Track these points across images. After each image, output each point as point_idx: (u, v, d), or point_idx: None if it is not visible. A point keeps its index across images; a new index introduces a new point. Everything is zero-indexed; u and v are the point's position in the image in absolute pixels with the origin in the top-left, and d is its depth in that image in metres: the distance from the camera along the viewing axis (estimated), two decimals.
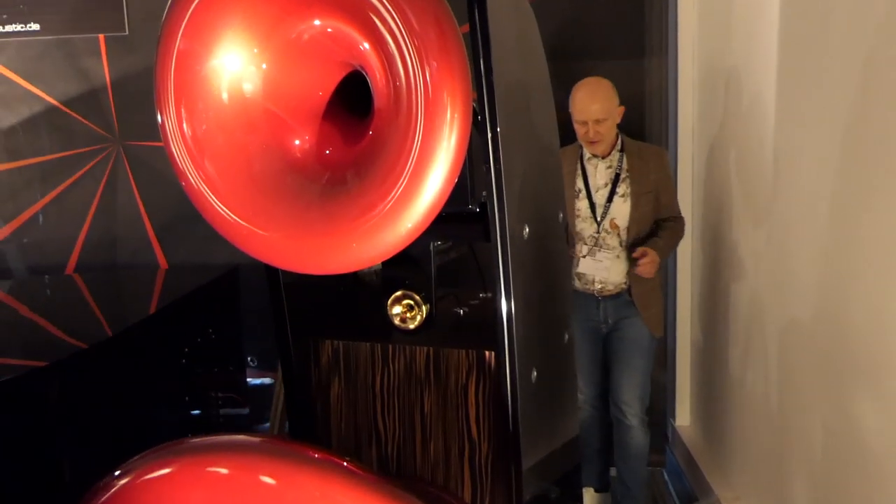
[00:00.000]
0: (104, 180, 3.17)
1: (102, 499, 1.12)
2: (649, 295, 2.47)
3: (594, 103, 2.32)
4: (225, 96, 1.26)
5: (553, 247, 1.61)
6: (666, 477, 3.10)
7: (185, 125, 1.24)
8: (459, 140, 1.10)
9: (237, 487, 1.09)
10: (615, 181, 2.38)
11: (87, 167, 3.17)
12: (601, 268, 2.41)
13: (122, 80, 3.12)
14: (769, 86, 2.08)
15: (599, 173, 2.42)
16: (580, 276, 2.45)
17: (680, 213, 2.49)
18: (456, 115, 1.08)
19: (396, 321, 1.55)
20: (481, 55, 1.24)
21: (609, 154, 2.40)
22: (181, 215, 3.12)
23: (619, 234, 2.40)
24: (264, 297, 1.73)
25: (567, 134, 2.28)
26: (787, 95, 1.99)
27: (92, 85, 3.13)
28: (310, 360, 1.61)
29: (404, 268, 1.55)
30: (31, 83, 3.15)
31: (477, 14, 1.24)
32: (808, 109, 1.85)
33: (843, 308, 1.67)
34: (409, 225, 1.14)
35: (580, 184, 2.44)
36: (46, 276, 3.15)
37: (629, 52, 2.91)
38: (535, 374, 1.49)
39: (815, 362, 1.84)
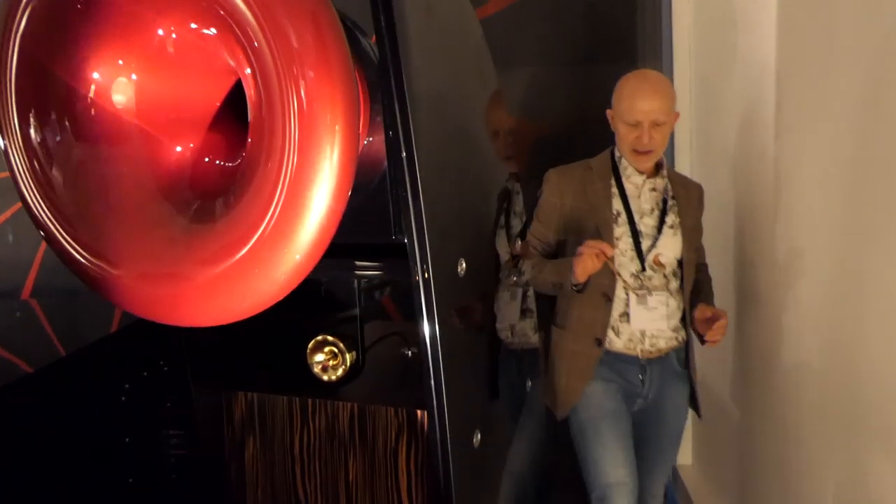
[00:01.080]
0: None
1: None
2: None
3: (655, 100, 1.71)
4: (88, 109, 1.03)
5: (484, 284, 1.37)
6: None
7: (28, 148, 1.02)
8: (345, 157, 0.87)
9: None
10: (664, 208, 1.80)
11: None
12: (657, 317, 1.79)
13: None
14: (769, 95, 1.84)
15: (644, 195, 1.81)
16: (617, 329, 1.75)
17: (705, 261, 1.97)
18: (337, 128, 0.85)
19: (317, 370, 1.32)
20: (390, 63, 1.01)
21: (655, 175, 1.81)
22: None
23: (664, 276, 1.80)
24: None
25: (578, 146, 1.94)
26: (788, 105, 1.75)
27: None
28: (221, 415, 1.38)
29: (327, 309, 1.32)
30: None
31: (383, 19, 1.00)
32: (810, 120, 1.61)
33: (855, 353, 1.41)
34: (287, 266, 0.90)
35: (618, 205, 1.80)
36: None
37: (621, 58, 2.66)
38: (479, 436, 1.24)
39: (825, 412, 1.59)
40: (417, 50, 1.06)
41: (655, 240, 1.76)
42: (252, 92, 0.92)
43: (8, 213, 2.94)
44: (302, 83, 0.85)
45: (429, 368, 1.12)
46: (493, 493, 1.30)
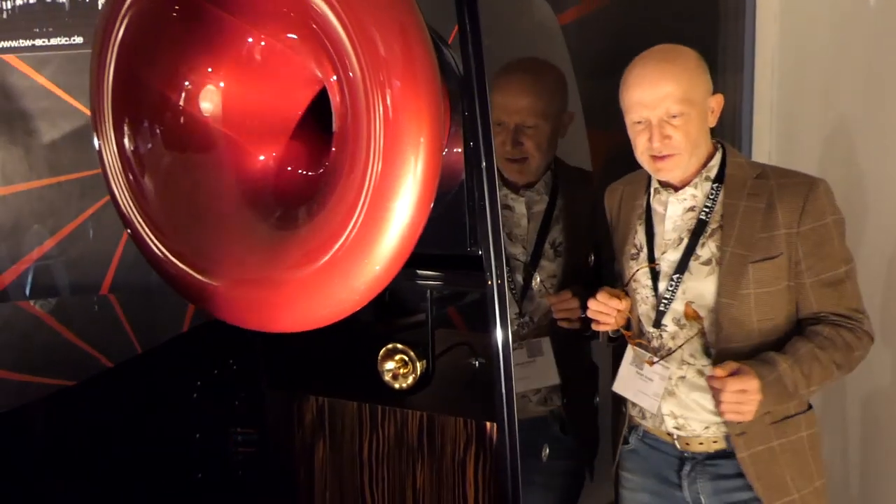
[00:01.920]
0: None
1: None
2: (782, 460, 1.27)
3: (661, 83, 1.26)
4: (178, 117, 1.07)
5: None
6: None
7: (120, 156, 1.06)
8: (429, 168, 0.87)
9: None
10: (696, 233, 1.30)
11: None
12: (650, 392, 1.31)
13: None
14: (856, 108, 1.77)
15: (671, 218, 1.34)
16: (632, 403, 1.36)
17: (860, 311, 1.29)
18: (422, 140, 0.85)
19: (387, 378, 1.32)
20: (474, 74, 1.01)
21: (689, 182, 1.33)
22: None
23: (702, 332, 1.29)
24: None
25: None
26: (876, 118, 1.69)
27: None
28: (292, 417, 1.40)
29: (399, 317, 1.32)
30: (73, 97, 3.10)
31: (467, 17, 1.00)
32: None
33: None
34: (367, 276, 0.91)
35: (641, 237, 1.38)
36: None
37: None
38: (548, 451, 1.23)
39: None
40: (501, 55, 1.06)
41: (676, 283, 1.30)
42: (338, 100, 0.93)
43: (90, 211, 3.07)
44: (388, 92, 0.86)
45: (500, 379, 1.12)
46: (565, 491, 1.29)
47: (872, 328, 1.29)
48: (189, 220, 1.04)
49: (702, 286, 1.27)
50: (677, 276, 1.29)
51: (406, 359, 1.31)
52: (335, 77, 0.92)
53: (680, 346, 1.28)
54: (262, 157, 1.08)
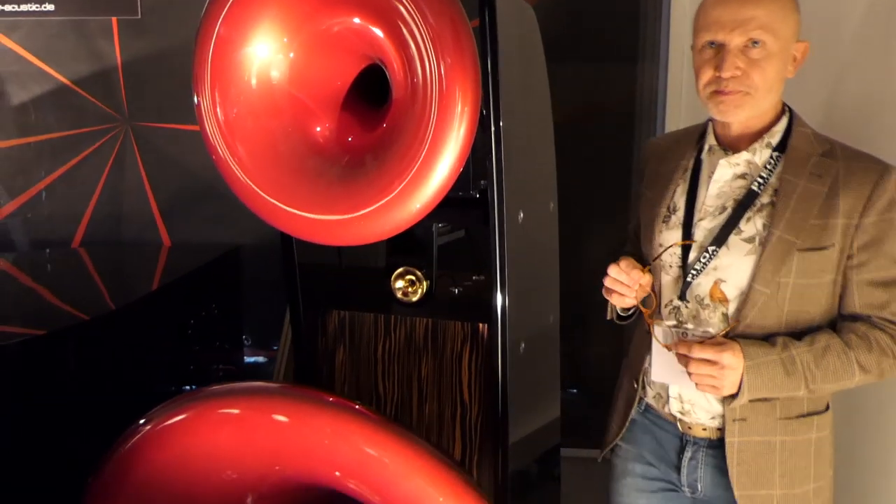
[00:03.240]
0: (112, 159, 3.29)
1: (128, 445, 1.26)
2: (778, 457, 1.22)
3: (749, 3, 1.12)
4: (254, 82, 1.39)
5: (542, 234, 1.76)
6: None
7: (218, 108, 1.38)
8: (468, 131, 1.25)
9: (252, 426, 1.23)
10: (743, 204, 1.19)
11: (96, 145, 3.28)
12: (678, 371, 1.20)
13: (133, 63, 3.24)
14: None
15: (716, 182, 1.24)
16: (647, 373, 1.33)
17: (886, 316, 1.19)
18: (466, 109, 1.23)
19: (399, 295, 1.70)
20: (489, 54, 1.39)
21: (751, 145, 1.21)
22: (186, 196, 3.26)
23: (725, 313, 1.21)
24: (263, 278, 1.84)
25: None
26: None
27: (103, 66, 3.24)
28: (317, 328, 1.76)
29: (408, 246, 1.69)
30: (43, 62, 3.26)
31: (487, 15, 1.38)
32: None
33: None
34: (419, 205, 1.29)
35: (679, 199, 1.28)
36: (47, 250, 3.26)
37: (624, 57, 3.03)
38: (524, 346, 1.64)
39: None
40: (506, 46, 1.44)
41: (710, 257, 1.19)
42: (400, 76, 1.29)
43: (61, 171, 3.25)
44: (443, 69, 1.22)
45: (496, 292, 1.52)
46: (530, 390, 1.70)
47: None
48: (272, 164, 1.38)
49: (738, 265, 1.16)
50: (713, 248, 1.18)
51: (414, 278, 1.69)
52: (397, 54, 1.28)
53: (723, 332, 1.18)
54: (324, 119, 1.43)
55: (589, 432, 3.20)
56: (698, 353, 1.15)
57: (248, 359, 3.48)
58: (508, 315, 1.53)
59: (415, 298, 1.69)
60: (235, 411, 1.22)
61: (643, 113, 3.06)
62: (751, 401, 1.20)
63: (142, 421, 1.35)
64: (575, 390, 3.38)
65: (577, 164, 1.94)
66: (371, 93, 1.45)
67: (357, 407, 1.23)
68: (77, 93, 3.22)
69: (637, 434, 1.40)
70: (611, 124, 2.50)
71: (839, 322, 1.22)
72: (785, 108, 1.25)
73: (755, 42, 1.13)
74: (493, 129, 1.42)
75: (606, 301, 1.37)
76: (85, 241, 3.31)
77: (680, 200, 1.27)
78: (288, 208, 1.35)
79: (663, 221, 1.29)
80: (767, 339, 1.18)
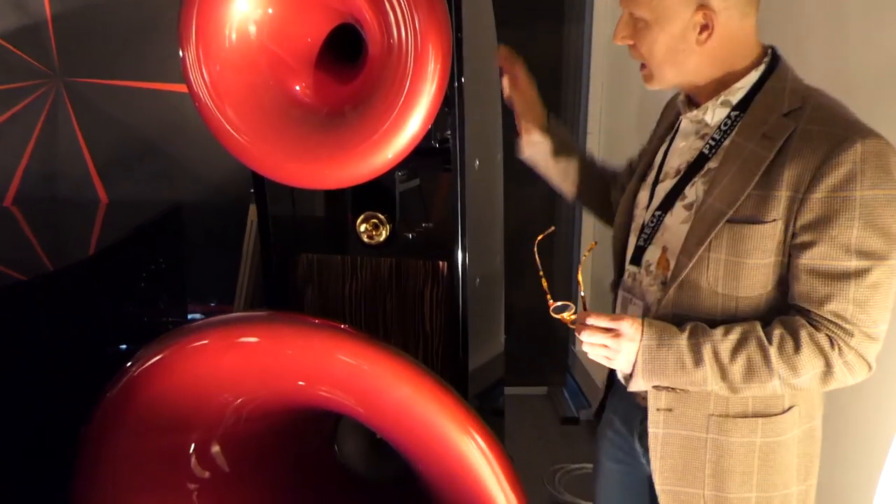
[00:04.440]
0: (44, 115, 3.25)
1: (148, 364, 1.38)
2: (708, 455, 1.15)
3: None
4: (234, 37, 1.50)
5: (492, 181, 1.95)
6: (566, 394, 3.56)
7: (202, 63, 1.48)
8: (439, 87, 1.41)
9: (255, 350, 1.37)
10: (694, 167, 1.15)
11: (26, 102, 3.24)
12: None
13: (64, 16, 3.19)
14: None
15: (678, 140, 1.22)
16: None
17: (853, 322, 1.03)
18: (438, 66, 1.39)
19: (364, 238, 1.85)
20: (454, 15, 1.54)
21: (710, 100, 1.15)
22: (123, 153, 3.26)
23: (664, 282, 1.16)
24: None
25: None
26: None
27: (32, 19, 3.19)
28: (287, 271, 1.89)
29: (371, 193, 1.84)
30: None
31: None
32: None
33: None
34: (395, 152, 1.44)
35: (659, 156, 1.27)
36: None
37: (549, 18, 3.22)
38: (478, 281, 1.83)
39: None
40: (468, 8, 1.58)
41: (657, 221, 1.16)
42: (377, 32, 1.42)
43: None
44: (418, 26, 1.36)
45: (458, 231, 1.69)
46: (484, 321, 1.90)
47: (867, 353, 1.02)
48: (255, 113, 1.50)
49: (677, 233, 1.11)
50: (658, 213, 1.15)
51: (377, 222, 1.85)
52: (376, 15, 1.41)
53: (642, 294, 1.19)
54: (301, 73, 1.55)
55: (521, 372, 3.47)
56: (594, 319, 1.09)
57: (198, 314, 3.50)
58: (469, 251, 1.71)
59: (379, 240, 1.84)
60: (251, 339, 1.35)
61: (569, 70, 3.27)
62: (672, 390, 1.09)
63: (149, 348, 1.43)
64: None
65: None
66: (342, 49, 1.59)
67: (343, 327, 1.39)
68: (4, 47, 3.16)
69: (614, 401, 1.37)
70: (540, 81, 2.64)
71: (784, 314, 1.07)
72: (764, 60, 1.12)
73: (633, 15, 1.12)
74: (456, 83, 1.58)
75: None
76: (18, 199, 3.27)
77: (658, 158, 1.23)
78: (272, 154, 1.48)
79: (642, 180, 1.26)
80: (682, 324, 1.08)
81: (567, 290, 3.41)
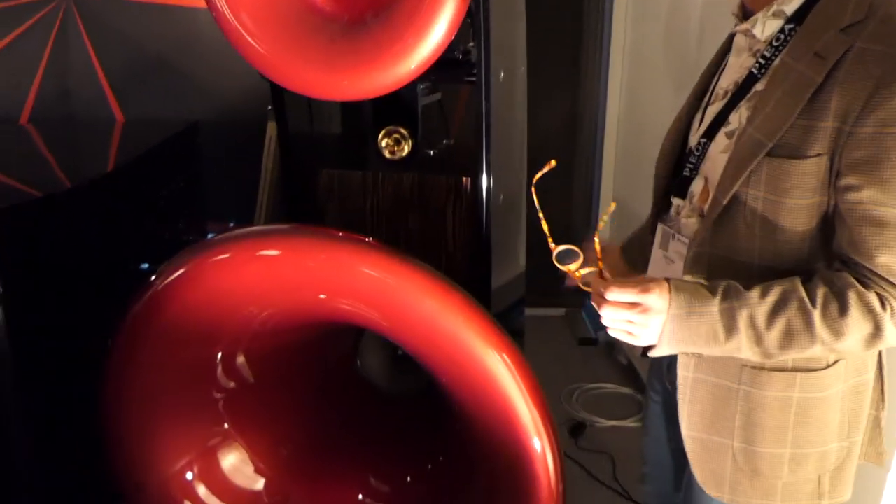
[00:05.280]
0: (55, 31, 3.19)
1: (172, 278, 1.38)
2: (740, 407, 1.07)
3: None
4: None
5: (516, 94, 1.89)
6: (584, 315, 3.57)
7: None
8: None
9: (278, 262, 1.37)
10: (742, 89, 1.03)
11: (37, 17, 3.18)
12: (672, 271, 1.10)
13: None
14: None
15: (732, 59, 1.09)
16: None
17: (889, 275, 0.92)
18: None
19: (386, 153, 1.82)
20: None
21: (763, 9, 1.00)
22: (137, 71, 3.21)
23: (701, 213, 1.08)
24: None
25: None
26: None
27: None
28: (309, 186, 1.87)
29: (393, 106, 1.80)
30: None
31: None
32: None
33: None
34: (417, 62, 1.40)
35: (714, 80, 1.14)
36: None
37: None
38: (502, 197, 1.80)
39: None
40: None
41: (702, 149, 1.05)
42: None
43: (1, 45, 3.14)
44: None
45: (483, 145, 1.65)
46: (506, 239, 1.88)
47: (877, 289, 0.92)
48: (274, 23, 1.45)
49: (717, 162, 1.01)
50: (703, 140, 1.04)
51: (399, 136, 1.81)
52: None
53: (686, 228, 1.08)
54: None
55: (540, 293, 3.48)
56: (617, 294, 0.95)
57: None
58: (492, 168, 1.68)
59: (401, 156, 1.81)
60: (273, 252, 1.34)
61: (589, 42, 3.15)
62: (699, 355, 1.03)
63: (172, 262, 1.43)
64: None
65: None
66: None
67: (367, 240, 1.38)
68: None
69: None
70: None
71: (825, 264, 0.97)
72: None
73: None
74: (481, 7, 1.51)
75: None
76: (33, 117, 3.25)
77: (714, 80, 1.10)
78: (294, 64, 1.44)
79: (696, 101, 1.13)
80: (711, 282, 0.97)
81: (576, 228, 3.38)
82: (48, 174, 2.45)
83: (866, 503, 1.44)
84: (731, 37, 1.10)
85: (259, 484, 1.67)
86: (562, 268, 1.07)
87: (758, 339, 0.94)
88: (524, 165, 2.00)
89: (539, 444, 1.38)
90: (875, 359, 1.08)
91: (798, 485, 1.06)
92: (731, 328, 0.94)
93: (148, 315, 1.47)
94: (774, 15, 0.98)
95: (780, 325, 0.93)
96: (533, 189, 1.09)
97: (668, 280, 0.97)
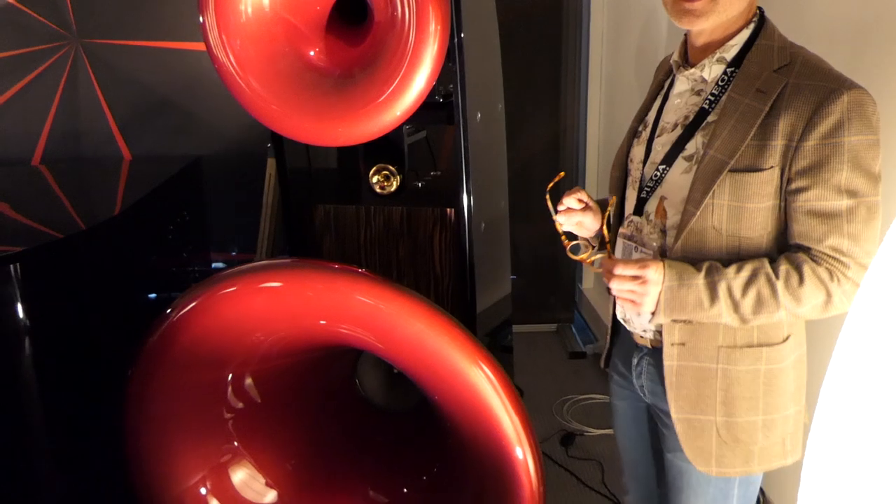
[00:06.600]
0: (64, 76, 3.37)
1: (185, 311, 1.54)
2: (718, 384, 1.23)
3: None
4: (250, 11, 1.61)
5: (495, 131, 2.06)
6: (574, 330, 3.73)
7: (226, 43, 1.60)
8: (440, 47, 1.52)
9: (284, 293, 1.52)
10: (694, 122, 1.20)
11: (47, 64, 3.35)
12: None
13: None
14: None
15: (674, 98, 1.27)
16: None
17: (848, 254, 1.12)
18: (438, 28, 1.50)
19: (377, 188, 1.99)
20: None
21: (707, 56, 1.21)
22: (142, 110, 3.39)
23: (663, 230, 1.25)
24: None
25: None
26: None
27: None
28: (306, 221, 2.04)
29: (382, 147, 1.97)
30: None
31: None
32: None
33: None
34: (402, 110, 1.57)
35: (652, 114, 1.33)
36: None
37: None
38: (484, 225, 1.97)
39: None
40: None
41: (661, 176, 1.22)
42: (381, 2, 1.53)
43: (15, 89, 3.32)
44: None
45: (462, 179, 1.82)
46: (490, 263, 2.04)
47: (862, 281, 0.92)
48: (273, 79, 1.62)
49: (678, 184, 1.19)
50: (663, 166, 1.22)
51: (388, 173, 1.98)
52: None
53: (646, 243, 1.27)
54: (313, 38, 1.67)
55: (532, 310, 3.64)
56: (622, 269, 1.16)
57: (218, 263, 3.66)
58: (473, 198, 1.84)
59: (390, 191, 1.98)
60: (275, 284, 1.50)
61: (569, 40, 3.33)
62: (686, 323, 1.19)
63: (184, 296, 1.59)
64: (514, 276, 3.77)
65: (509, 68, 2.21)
66: (348, 14, 1.70)
67: (361, 270, 1.54)
68: (21, 10, 3.26)
69: (618, 341, 1.47)
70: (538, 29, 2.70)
71: (786, 251, 1.17)
72: (753, 20, 1.19)
73: None
74: (456, 40, 1.69)
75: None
76: (45, 159, 3.42)
77: (652, 116, 1.30)
78: (290, 114, 1.60)
79: (635, 137, 1.33)
80: (697, 263, 1.17)
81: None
82: (63, 216, 2.60)
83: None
84: (663, 82, 1.33)
85: (267, 497, 1.82)
86: (575, 258, 1.31)
87: (735, 306, 1.14)
88: (505, 193, 2.17)
89: (521, 451, 1.53)
90: (804, 335, 1.29)
91: (769, 448, 1.26)
92: (713, 297, 1.15)
93: (163, 345, 1.62)
94: (718, 61, 1.20)
95: (752, 294, 1.13)
96: (547, 197, 1.32)
97: (662, 259, 1.19)
